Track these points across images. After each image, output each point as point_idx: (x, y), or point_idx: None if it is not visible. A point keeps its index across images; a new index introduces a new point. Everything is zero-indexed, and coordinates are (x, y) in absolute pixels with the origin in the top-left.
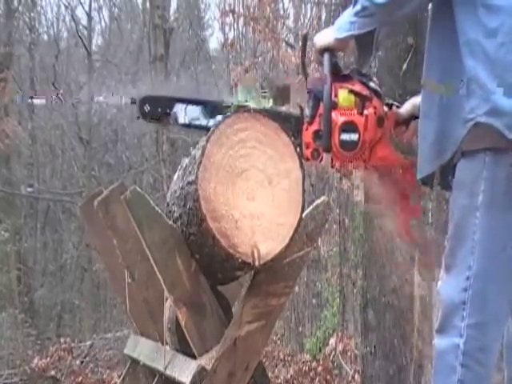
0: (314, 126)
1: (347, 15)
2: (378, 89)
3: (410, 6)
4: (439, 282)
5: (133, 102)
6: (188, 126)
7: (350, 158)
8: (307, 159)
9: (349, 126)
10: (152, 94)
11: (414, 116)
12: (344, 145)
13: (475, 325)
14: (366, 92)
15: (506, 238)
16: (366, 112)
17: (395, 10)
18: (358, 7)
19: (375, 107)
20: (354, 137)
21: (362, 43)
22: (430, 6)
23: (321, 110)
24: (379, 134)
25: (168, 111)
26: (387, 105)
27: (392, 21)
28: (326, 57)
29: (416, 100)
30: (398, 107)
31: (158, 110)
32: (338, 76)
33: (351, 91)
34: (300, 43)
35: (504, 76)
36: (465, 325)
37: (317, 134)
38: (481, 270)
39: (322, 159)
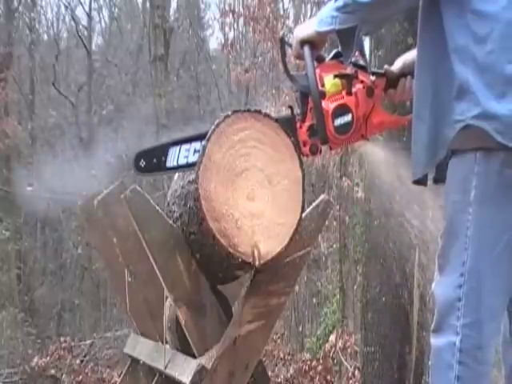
0: (307, 122)
1: (329, 9)
2: (363, 62)
3: (392, 8)
4: (433, 284)
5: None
6: (188, 164)
7: (347, 139)
8: (307, 156)
9: (341, 110)
10: (144, 149)
11: (403, 74)
12: (339, 129)
13: (471, 324)
14: (350, 71)
15: (499, 232)
16: (354, 89)
17: (376, 11)
18: (340, 3)
19: (362, 81)
20: (348, 118)
21: (343, 37)
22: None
23: (311, 104)
24: (371, 104)
25: (164, 159)
26: (374, 74)
27: (374, 20)
28: (307, 49)
29: (406, 57)
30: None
31: (153, 161)
32: (321, 65)
33: (336, 75)
34: (279, 45)
35: (494, 82)
36: (460, 324)
37: (311, 129)
38: (475, 265)
39: (320, 152)
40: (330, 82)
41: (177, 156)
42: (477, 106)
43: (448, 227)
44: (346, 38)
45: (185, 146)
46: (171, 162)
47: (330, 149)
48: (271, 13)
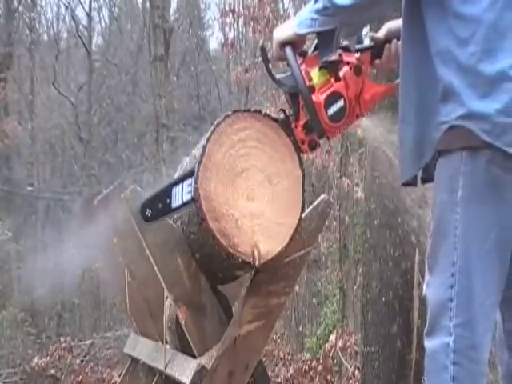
0: (302, 121)
1: (308, 11)
2: (346, 43)
3: (372, 11)
4: (424, 285)
5: None
6: (193, 199)
7: (344, 124)
8: (306, 153)
9: (332, 98)
10: (147, 198)
11: (387, 40)
12: (334, 117)
13: (463, 324)
14: (334, 57)
15: (487, 230)
16: (341, 73)
17: (356, 14)
18: (319, 5)
19: (348, 62)
20: (340, 103)
21: (323, 39)
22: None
23: (302, 102)
24: (360, 82)
25: (168, 201)
26: (358, 50)
27: (354, 22)
28: (288, 50)
29: (391, 24)
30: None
31: (158, 206)
32: (305, 60)
33: (321, 67)
34: (260, 55)
35: (477, 83)
36: (453, 324)
37: (307, 127)
38: (465, 265)
39: (319, 145)
40: (316, 75)
41: (180, 194)
42: (462, 107)
43: (436, 227)
44: (326, 39)
45: (187, 182)
46: (176, 201)
47: (328, 139)
48: (271, 13)
